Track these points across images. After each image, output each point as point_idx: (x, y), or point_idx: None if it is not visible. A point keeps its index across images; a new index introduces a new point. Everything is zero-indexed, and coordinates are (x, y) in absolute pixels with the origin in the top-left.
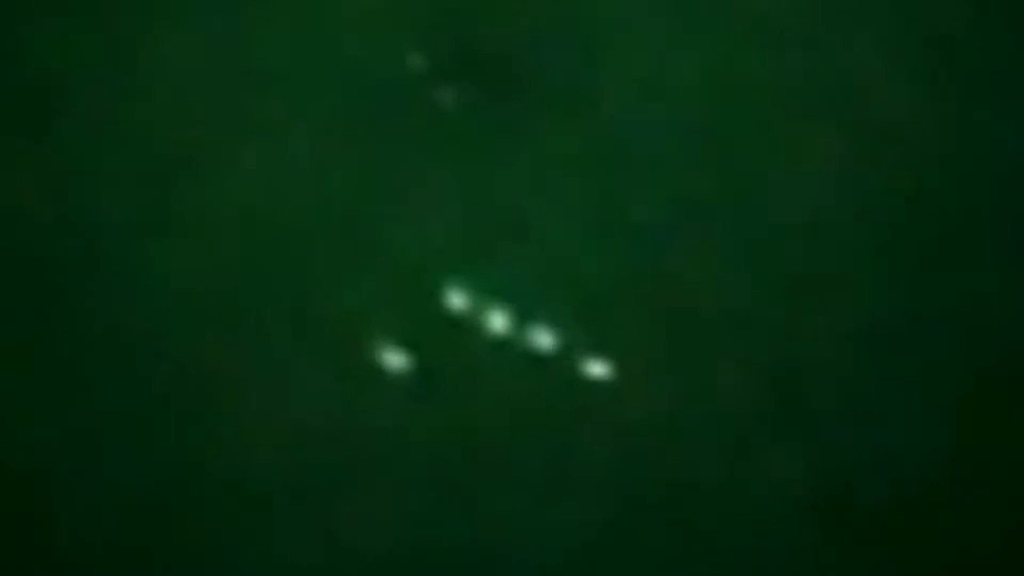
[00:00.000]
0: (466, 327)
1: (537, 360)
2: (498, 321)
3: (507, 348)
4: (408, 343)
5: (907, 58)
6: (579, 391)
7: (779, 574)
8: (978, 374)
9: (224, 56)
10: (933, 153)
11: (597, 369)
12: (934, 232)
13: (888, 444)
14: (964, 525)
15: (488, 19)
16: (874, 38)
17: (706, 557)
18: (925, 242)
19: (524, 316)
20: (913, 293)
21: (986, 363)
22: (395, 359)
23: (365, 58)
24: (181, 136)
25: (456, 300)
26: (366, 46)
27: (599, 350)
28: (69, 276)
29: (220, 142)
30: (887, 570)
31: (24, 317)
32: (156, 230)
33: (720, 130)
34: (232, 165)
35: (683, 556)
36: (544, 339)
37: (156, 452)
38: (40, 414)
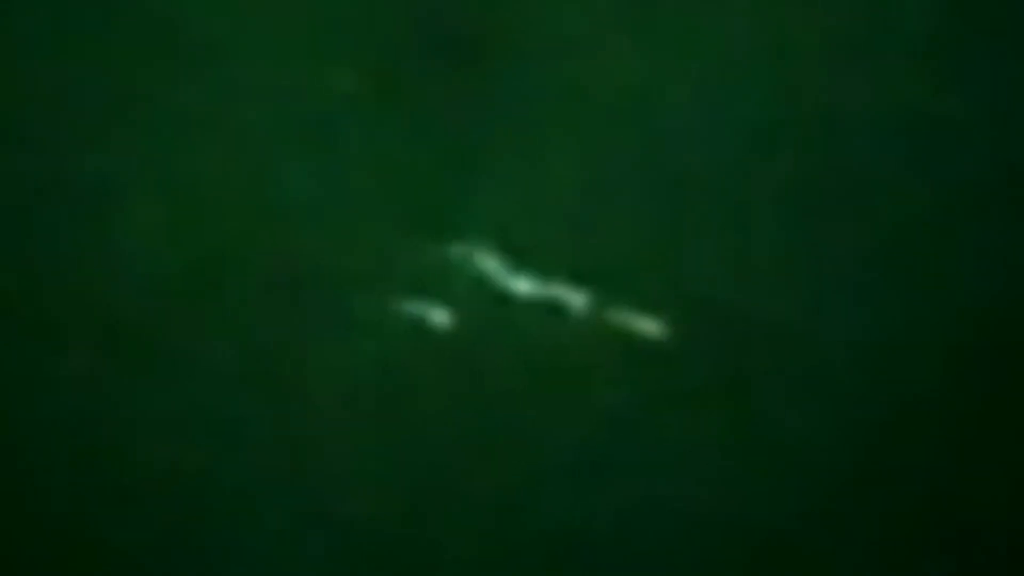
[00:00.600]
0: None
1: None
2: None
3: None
4: (415, 296)
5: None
6: (579, 349)
7: (766, 551)
8: (965, 360)
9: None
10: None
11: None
12: (910, 213)
13: (873, 424)
14: (954, 509)
15: None
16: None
17: (711, 523)
18: (906, 225)
19: (515, 262)
20: (901, 288)
21: (970, 349)
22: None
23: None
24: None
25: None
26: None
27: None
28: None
29: (215, 102)
30: (877, 561)
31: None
32: (147, 192)
33: (695, 93)
34: (229, 124)
35: (696, 522)
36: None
37: (154, 397)
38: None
